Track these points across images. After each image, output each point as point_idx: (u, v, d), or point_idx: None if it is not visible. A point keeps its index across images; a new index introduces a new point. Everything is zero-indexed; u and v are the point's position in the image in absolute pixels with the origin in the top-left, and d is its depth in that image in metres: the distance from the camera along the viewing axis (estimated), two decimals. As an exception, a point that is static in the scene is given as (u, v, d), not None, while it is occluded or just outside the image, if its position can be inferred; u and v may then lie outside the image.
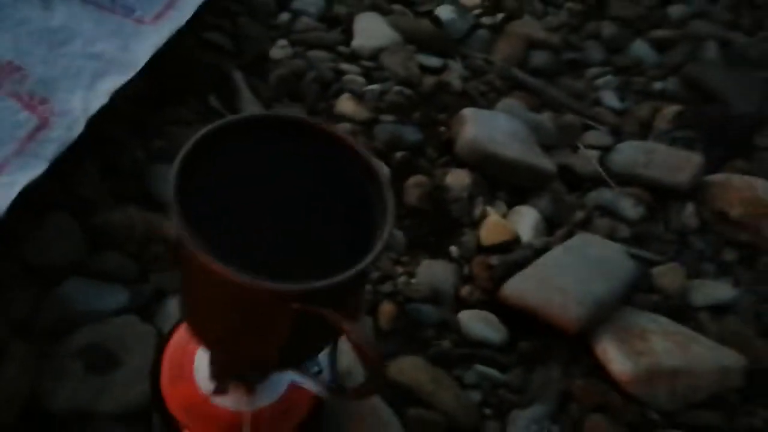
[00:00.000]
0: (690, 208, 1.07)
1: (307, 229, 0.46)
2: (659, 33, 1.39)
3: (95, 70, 0.70)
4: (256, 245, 0.44)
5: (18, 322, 0.65)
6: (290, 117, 0.43)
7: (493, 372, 0.78)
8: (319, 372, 0.54)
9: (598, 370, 0.81)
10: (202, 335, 0.45)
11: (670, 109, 1.22)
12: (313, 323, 0.38)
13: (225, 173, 0.43)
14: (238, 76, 0.92)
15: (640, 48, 1.35)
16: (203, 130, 0.40)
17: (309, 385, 0.46)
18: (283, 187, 0.45)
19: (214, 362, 0.51)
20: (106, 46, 0.72)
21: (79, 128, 0.66)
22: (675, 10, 1.46)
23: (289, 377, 0.55)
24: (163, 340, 0.58)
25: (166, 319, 0.70)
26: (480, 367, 0.78)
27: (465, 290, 0.84)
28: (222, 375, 0.51)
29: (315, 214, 0.46)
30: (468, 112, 0.99)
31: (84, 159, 0.76)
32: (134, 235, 0.73)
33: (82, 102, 0.67)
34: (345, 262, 0.39)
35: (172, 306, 0.71)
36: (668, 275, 0.96)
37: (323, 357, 0.54)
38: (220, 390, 0.53)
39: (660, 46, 1.37)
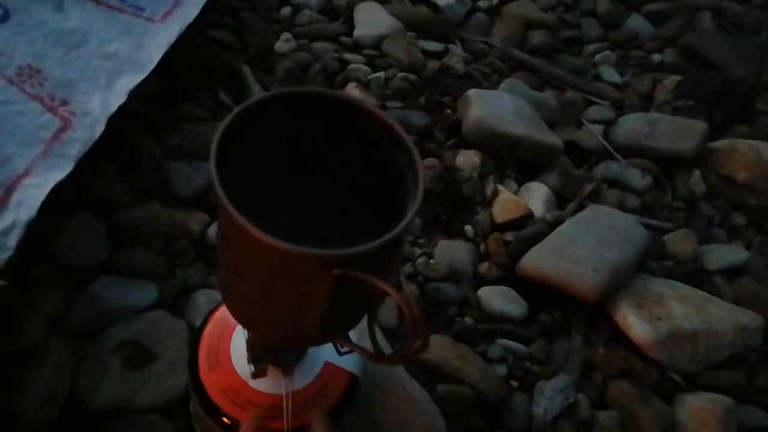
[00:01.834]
0: (696, 175, 1.09)
1: (338, 200, 0.47)
2: (653, 6, 1.40)
3: (111, 70, 0.71)
4: (289, 217, 0.45)
5: (53, 322, 0.66)
6: (322, 92, 0.44)
7: (516, 345, 0.79)
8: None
9: (619, 337, 0.82)
10: (243, 313, 0.47)
11: (670, 80, 1.23)
12: (353, 290, 0.39)
13: (259, 148, 0.43)
14: (246, 71, 0.93)
15: (636, 22, 1.36)
16: (239, 108, 0.41)
17: (355, 351, 0.47)
18: (315, 160, 0.46)
19: (253, 343, 0.53)
20: (120, 46, 0.73)
21: (100, 128, 0.67)
22: (668, -17, 1.47)
23: (323, 357, 0.57)
24: (197, 330, 0.59)
25: (195, 312, 0.71)
26: (503, 341, 0.79)
27: (483, 267, 0.85)
28: (261, 356, 0.52)
29: (345, 185, 0.47)
30: (473, 93, 1.01)
31: (102, 158, 0.77)
32: (159, 231, 0.74)
33: (101, 102, 0.68)
34: (376, 230, 0.40)
35: (200, 299, 0.72)
36: (680, 241, 0.98)
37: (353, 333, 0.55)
38: (258, 373, 0.54)
39: (655, 19, 1.39)
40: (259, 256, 0.39)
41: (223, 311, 0.59)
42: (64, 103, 0.66)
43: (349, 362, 0.56)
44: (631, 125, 1.12)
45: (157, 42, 0.75)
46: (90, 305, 0.68)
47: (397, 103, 1.00)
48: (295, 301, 0.41)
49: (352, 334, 0.53)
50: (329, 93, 0.44)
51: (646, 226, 0.95)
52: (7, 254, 0.56)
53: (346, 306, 0.43)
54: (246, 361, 0.54)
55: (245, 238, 0.37)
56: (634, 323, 0.82)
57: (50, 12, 0.70)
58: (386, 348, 0.69)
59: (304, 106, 0.43)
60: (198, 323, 0.69)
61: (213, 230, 0.77)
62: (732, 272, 0.97)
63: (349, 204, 0.47)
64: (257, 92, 0.92)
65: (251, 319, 0.47)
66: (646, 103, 1.22)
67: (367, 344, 0.48)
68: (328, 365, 0.55)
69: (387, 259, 0.40)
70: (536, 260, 0.84)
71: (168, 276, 0.74)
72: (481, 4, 1.26)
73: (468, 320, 0.80)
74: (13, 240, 0.56)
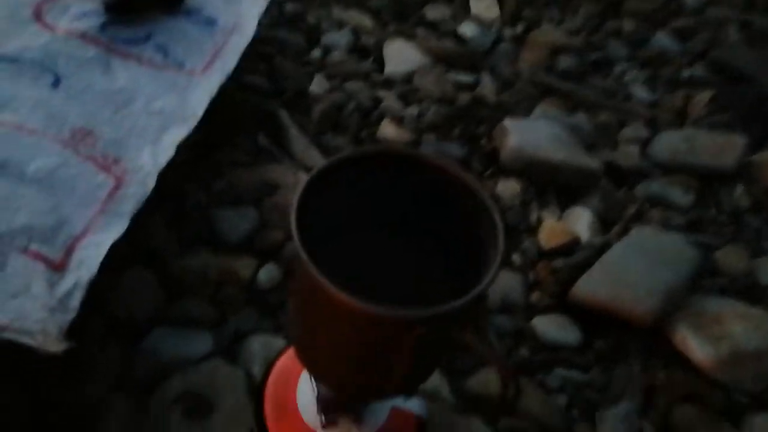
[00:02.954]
0: (739, 188, 1.07)
1: (413, 255, 0.47)
2: (679, 23, 1.40)
3: (159, 125, 0.72)
4: (363, 273, 0.45)
5: (112, 377, 0.67)
6: (399, 151, 0.44)
7: (574, 374, 0.78)
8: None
9: (679, 360, 0.80)
10: (320, 370, 0.46)
11: (703, 95, 1.22)
12: (434, 346, 0.39)
13: (334, 205, 0.44)
14: (284, 114, 0.94)
15: (662, 40, 1.36)
16: (315, 169, 0.42)
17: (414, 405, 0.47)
18: (390, 215, 0.47)
19: (326, 396, 0.52)
20: (166, 102, 0.74)
21: (152, 182, 0.68)
22: (690, 0, 1.47)
23: (390, 402, 0.56)
24: (261, 379, 0.59)
25: (251, 358, 0.71)
26: (561, 371, 0.78)
27: (534, 296, 0.84)
28: (334, 407, 0.52)
29: (420, 240, 0.47)
30: (508, 122, 1.01)
31: (149, 210, 0.78)
32: (209, 279, 0.75)
33: (151, 157, 0.69)
34: (448, 286, 0.40)
35: (254, 345, 0.72)
36: (731, 257, 0.96)
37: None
38: (329, 424, 0.53)
39: (681, 35, 1.38)
40: (342, 317, 0.39)
41: (286, 359, 0.58)
42: (117, 161, 0.67)
43: (416, 405, 0.56)
44: (669, 142, 1.11)
45: (199, 95, 0.77)
46: (147, 359, 0.68)
47: (432, 136, 1.01)
48: (376, 360, 0.41)
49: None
50: (401, 152, 0.44)
51: (694, 243, 0.93)
52: (70, 316, 0.56)
53: (427, 361, 0.42)
54: (314, 409, 0.54)
55: (327, 300, 0.37)
56: (695, 344, 0.80)
57: (99, 75, 0.72)
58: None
59: (378, 164, 0.44)
60: (254, 369, 0.69)
61: (263, 275, 0.77)
62: (786, 286, 0.94)
63: (423, 259, 0.47)
64: (295, 135, 0.93)
65: (329, 376, 0.47)
66: (680, 119, 1.21)
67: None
68: (395, 410, 0.55)
69: (471, 315, 0.40)
70: (588, 287, 0.83)
71: (220, 323, 0.74)
72: (506, 32, 1.27)
73: (524, 351, 0.79)
74: (75, 301, 0.57)
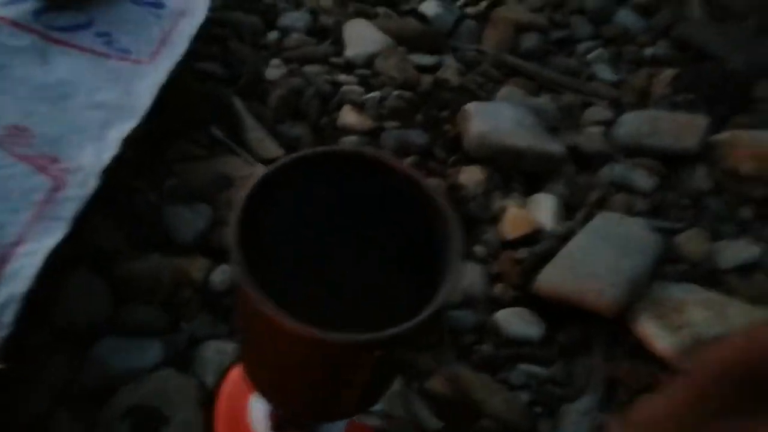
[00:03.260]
0: (701, 170, 1.07)
1: (369, 264, 0.45)
2: (642, -1, 1.38)
3: (102, 120, 0.68)
4: (316, 286, 0.43)
5: (57, 390, 0.64)
6: (348, 151, 0.42)
7: (537, 369, 0.77)
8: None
9: (641, 350, 0.80)
10: (271, 393, 0.44)
11: (666, 74, 1.22)
12: (390, 365, 0.37)
13: (282, 215, 0.41)
14: (238, 103, 0.90)
15: (626, 16, 1.34)
16: (259, 177, 0.39)
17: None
18: (340, 223, 0.44)
19: (278, 415, 0.50)
20: (109, 94, 0.70)
21: (93, 182, 0.64)
22: (653, -26, 1.45)
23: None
24: (212, 391, 0.57)
25: (204, 366, 0.68)
26: (524, 366, 0.77)
27: (497, 289, 0.83)
28: (286, 424, 0.50)
29: (373, 250, 0.45)
30: (471, 107, 0.98)
31: (96, 209, 0.74)
32: (162, 283, 0.71)
33: (93, 155, 0.65)
34: (409, 300, 0.38)
35: (208, 352, 0.69)
36: (692, 241, 0.96)
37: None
38: (281, 439, 0.51)
39: (644, 11, 1.37)
40: (292, 344, 0.36)
41: (238, 371, 0.56)
42: (55, 161, 0.63)
43: (373, 418, 0.54)
44: (632, 125, 1.10)
45: (147, 85, 0.73)
46: (95, 369, 0.65)
47: (394, 123, 0.98)
48: (331, 383, 0.39)
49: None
50: (351, 152, 0.42)
51: (657, 229, 0.93)
52: (4, 332, 0.53)
53: (384, 380, 0.40)
54: (266, 424, 0.52)
55: (274, 327, 0.35)
56: (656, 334, 0.80)
57: (35, 65, 0.67)
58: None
59: (329, 166, 0.41)
60: (207, 378, 0.67)
61: (217, 276, 0.74)
62: (745, 269, 0.95)
63: (380, 266, 0.45)
64: (251, 126, 0.89)
65: (281, 399, 0.45)
66: (643, 99, 1.20)
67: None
68: (352, 423, 0.53)
69: (426, 332, 0.38)
70: (551, 279, 0.82)
71: (173, 329, 0.71)
72: (469, 10, 1.24)
73: (487, 347, 0.77)
74: (9, 316, 0.54)
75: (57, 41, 0.73)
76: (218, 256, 0.76)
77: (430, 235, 0.42)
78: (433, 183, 0.43)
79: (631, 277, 0.82)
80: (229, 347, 0.68)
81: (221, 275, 0.74)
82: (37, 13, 0.74)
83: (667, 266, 0.91)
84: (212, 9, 0.91)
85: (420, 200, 0.43)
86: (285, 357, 0.39)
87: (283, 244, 0.44)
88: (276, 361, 0.40)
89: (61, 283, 0.69)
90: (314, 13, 1.11)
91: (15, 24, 0.72)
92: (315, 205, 0.44)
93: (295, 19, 1.08)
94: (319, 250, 0.46)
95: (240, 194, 0.38)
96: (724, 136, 1.10)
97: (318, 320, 0.36)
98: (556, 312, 0.81)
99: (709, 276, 0.92)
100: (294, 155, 0.43)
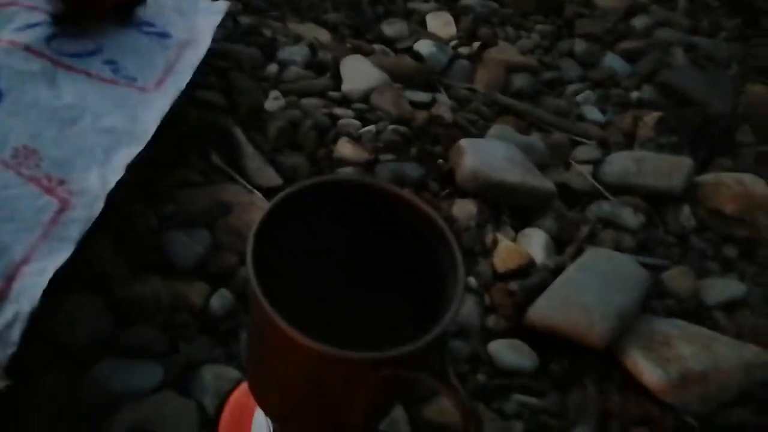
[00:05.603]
0: (686, 210, 1.10)
1: (374, 289, 0.46)
2: (627, 44, 1.44)
3: (108, 145, 0.69)
4: (323, 309, 0.44)
5: (56, 409, 0.63)
6: (354, 180, 0.43)
7: (531, 399, 0.78)
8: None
9: (632, 383, 0.82)
10: (277, 411, 0.45)
11: (651, 117, 1.26)
12: (396, 385, 0.38)
13: (291, 241, 0.43)
14: (238, 132, 0.92)
15: (613, 61, 1.39)
16: (271, 204, 0.40)
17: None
18: (346, 250, 0.46)
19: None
20: (116, 119, 0.71)
21: (99, 205, 0.65)
22: (638, 22, 1.51)
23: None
24: (214, 415, 0.57)
25: (202, 389, 0.68)
26: (518, 396, 0.78)
27: (490, 320, 0.84)
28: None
29: (378, 275, 0.46)
30: (464, 143, 1.01)
31: (97, 232, 0.75)
32: (160, 305, 0.72)
33: (99, 178, 0.66)
34: (413, 320, 0.39)
35: (207, 376, 0.69)
36: (678, 278, 0.98)
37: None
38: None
39: (630, 56, 1.42)
40: (301, 359, 0.37)
41: (240, 394, 0.57)
42: (62, 182, 0.64)
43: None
44: (619, 164, 1.13)
45: (151, 111, 0.74)
46: (93, 390, 0.65)
47: (390, 156, 1.00)
48: (337, 401, 0.40)
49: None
50: (359, 181, 0.43)
51: (644, 265, 0.95)
52: (11, 350, 0.53)
53: (388, 400, 0.41)
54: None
55: (285, 342, 0.36)
56: (645, 368, 0.81)
57: (44, 89, 0.69)
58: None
59: (336, 194, 0.43)
60: (206, 401, 0.67)
61: (215, 301, 0.75)
62: (730, 306, 0.97)
63: (384, 292, 0.46)
64: (250, 153, 0.90)
65: (286, 418, 0.45)
66: (629, 140, 1.24)
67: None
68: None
69: (432, 353, 0.39)
70: (543, 311, 0.83)
71: (172, 352, 0.71)
72: (462, 50, 1.28)
73: (481, 377, 0.78)
74: (16, 334, 0.54)
75: (66, 67, 0.75)
76: (216, 281, 0.77)
77: (433, 261, 0.44)
78: (438, 216, 0.44)
79: (621, 311, 0.84)
80: (226, 372, 0.69)
81: (219, 300, 0.75)
82: (50, 39, 0.76)
83: (655, 302, 0.93)
84: (215, 40, 0.93)
85: (425, 228, 0.44)
86: (293, 372, 0.40)
87: (287, 271, 0.45)
88: (284, 376, 0.41)
89: (61, 304, 0.69)
90: (313, 48, 1.14)
91: (28, 48, 0.73)
92: (321, 232, 0.45)
93: (294, 53, 1.11)
94: (322, 277, 0.47)
95: (258, 212, 0.39)
96: (707, 177, 1.14)
97: (321, 342, 0.37)
98: (549, 344, 0.83)
99: (695, 312, 0.94)
100: (302, 183, 0.44)
